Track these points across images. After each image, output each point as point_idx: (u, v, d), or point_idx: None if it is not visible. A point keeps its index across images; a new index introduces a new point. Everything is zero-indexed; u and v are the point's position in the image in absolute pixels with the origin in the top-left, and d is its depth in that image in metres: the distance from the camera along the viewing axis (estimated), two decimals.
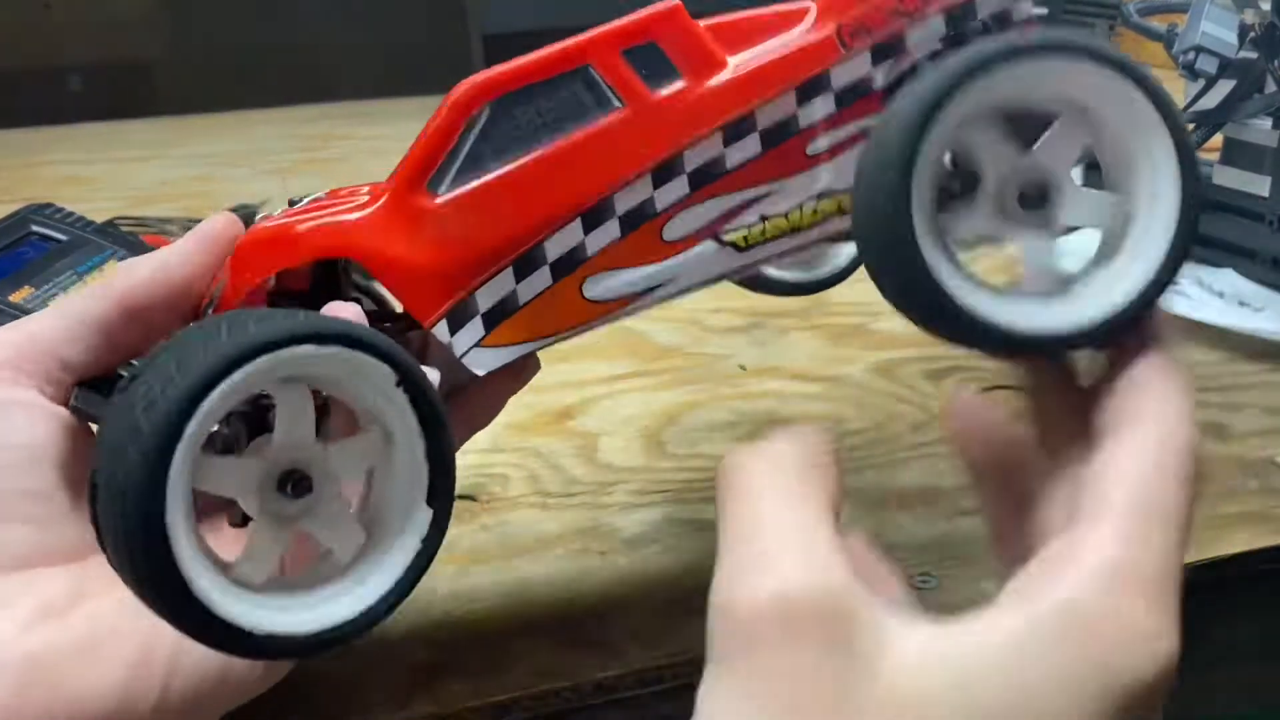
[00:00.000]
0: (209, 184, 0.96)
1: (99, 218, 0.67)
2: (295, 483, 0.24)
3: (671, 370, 0.54)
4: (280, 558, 0.25)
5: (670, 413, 0.50)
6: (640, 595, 0.37)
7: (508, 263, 0.28)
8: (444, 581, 0.39)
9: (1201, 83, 0.60)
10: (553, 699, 0.34)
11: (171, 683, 0.26)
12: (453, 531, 0.42)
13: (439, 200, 0.28)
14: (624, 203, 0.29)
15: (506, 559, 0.40)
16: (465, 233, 0.28)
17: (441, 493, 0.25)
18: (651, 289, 0.30)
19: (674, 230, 0.29)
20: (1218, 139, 0.61)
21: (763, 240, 0.30)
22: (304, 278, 0.30)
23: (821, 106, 0.29)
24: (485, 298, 0.28)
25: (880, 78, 0.30)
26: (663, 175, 0.29)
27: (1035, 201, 0.26)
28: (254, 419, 0.25)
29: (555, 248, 0.29)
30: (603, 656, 0.35)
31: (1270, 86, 0.58)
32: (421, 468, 0.25)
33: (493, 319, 0.29)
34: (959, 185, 0.27)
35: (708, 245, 0.30)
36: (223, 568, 0.24)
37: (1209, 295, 0.59)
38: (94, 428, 0.30)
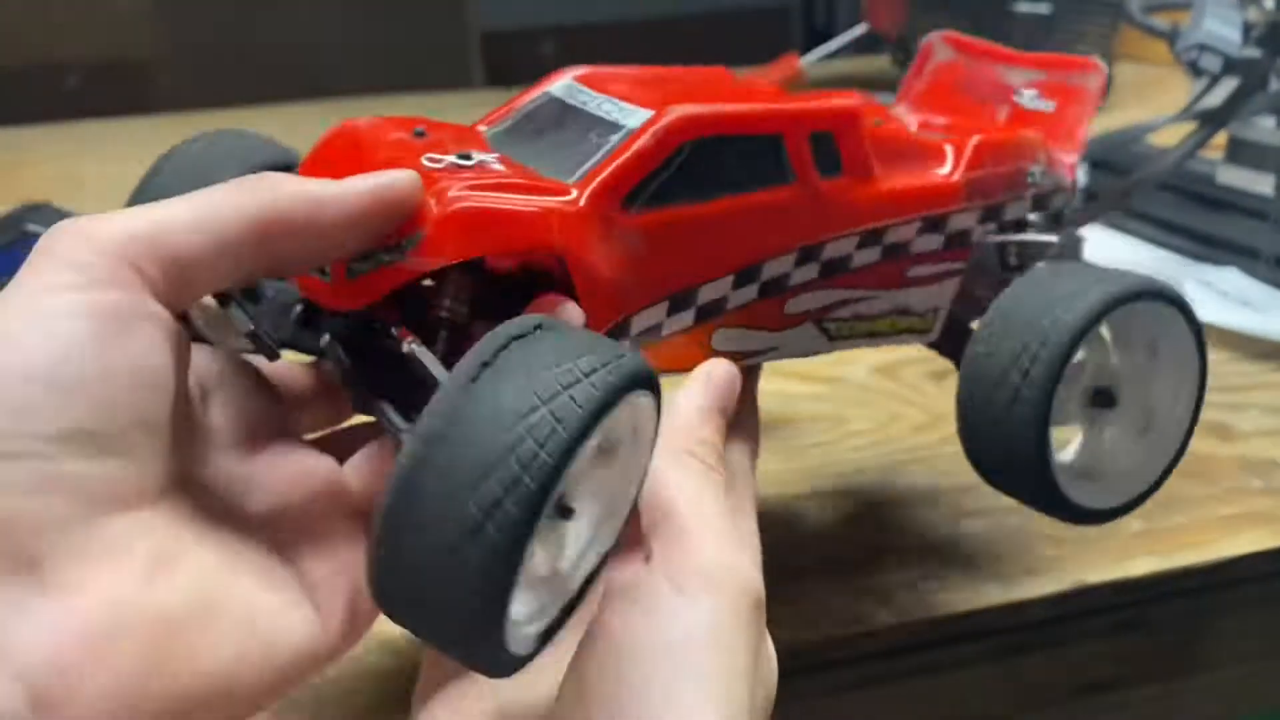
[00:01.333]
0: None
1: None
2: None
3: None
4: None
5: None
6: None
7: (665, 296, 0.29)
8: None
9: (1205, 80, 0.60)
10: None
11: (270, 654, 0.24)
12: None
13: (631, 217, 0.28)
14: (769, 271, 0.31)
15: None
16: (644, 256, 0.28)
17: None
18: (760, 352, 0.32)
19: (793, 306, 0.32)
20: (1222, 137, 0.61)
21: (849, 335, 0.33)
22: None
23: (933, 241, 0.33)
24: (638, 323, 0.29)
25: (977, 233, 0.34)
26: (805, 256, 0.31)
27: (1107, 401, 0.33)
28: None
29: (706, 294, 0.30)
30: None
31: (1274, 84, 0.58)
32: (630, 497, 0.25)
33: (635, 345, 0.29)
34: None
35: (809, 327, 0.32)
36: None
37: (1213, 295, 0.59)
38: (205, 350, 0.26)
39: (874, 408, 0.50)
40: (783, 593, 0.37)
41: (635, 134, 0.28)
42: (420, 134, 0.28)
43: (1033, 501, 0.31)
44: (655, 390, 0.23)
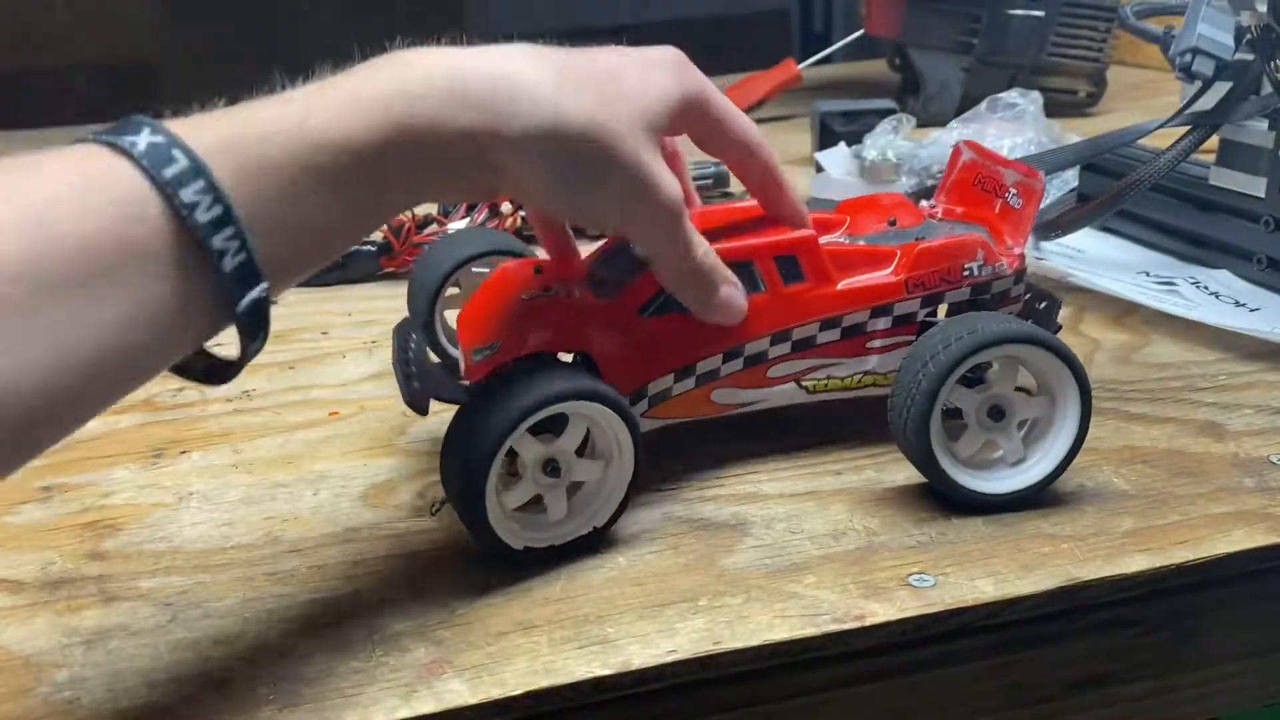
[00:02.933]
0: None
1: None
2: (551, 468, 0.39)
3: None
4: (563, 501, 0.40)
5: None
6: (640, 595, 0.38)
7: (670, 370, 0.43)
8: (444, 581, 0.39)
9: (1198, 85, 0.60)
10: (552, 698, 0.34)
11: None
12: (454, 530, 0.42)
13: (643, 321, 0.43)
14: (751, 349, 0.44)
15: (507, 557, 0.40)
16: (652, 346, 0.43)
17: (613, 518, 0.41)
18: (751, 403, 0.45)
19: (775, 371, 0.45)
20: (1214, 141, 0.61)
21: (825, 390, 0.46)
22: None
23: (883, 322, 0.46)
24: (652, 389, 0.43)
25: (921, 314, 0.46)
26: (778, 338, 0.44)
27: (997, 414, 0.42)
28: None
29: (703, 367, 0.44)
30: (603, 656, 0.35)
31: (1266, 88, 0.59)
32: (614, 496, 0.41)
33: (653, 402, 0.44)
34: (954, 411, 0.42)
35: (790, 385, 0.46)
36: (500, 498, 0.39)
37: (1205, 296, 0.59)
38: None
39: (870, 406, 0.50)
40: (780, 590, 0.38)
41: (644, 270, 0.42)
42: (538, 271, 0.43)
43: (935, 483, 0.42)
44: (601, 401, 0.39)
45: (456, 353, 0.51)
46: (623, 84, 0.38)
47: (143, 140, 0.30)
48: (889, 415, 0.42)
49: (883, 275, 0.45)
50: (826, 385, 0.46)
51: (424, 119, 0.34)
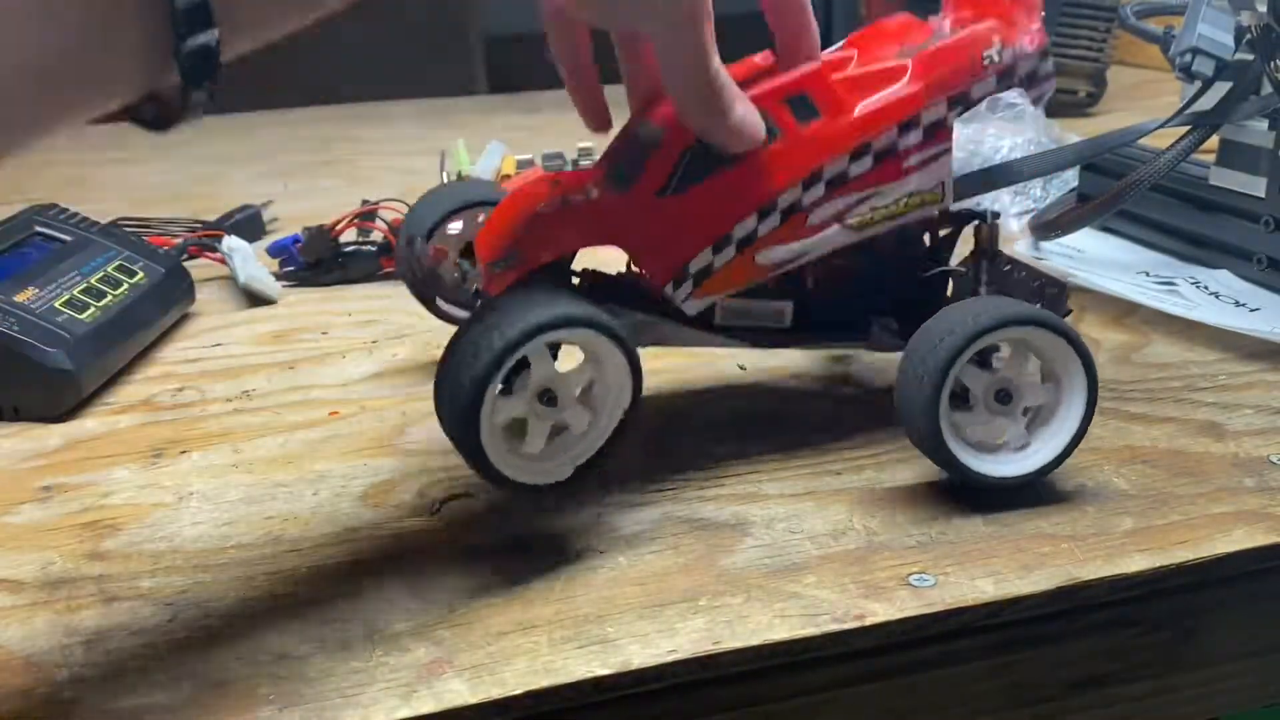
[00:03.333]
0: (212, 185, 0.97)
1: (102, 219, 0.67)
2: (549, 398, 0.39)
3: (672, 370, 0.54)
4: (543, 437, 0.39)
5: (671, 412, 0.51)
6: (640, 595, 0.38)
7: (706, 244, 0.42)
8: (444, 581, 0.39)
9: (1198, 85, 0.60)
10: (552, 698, 0.34)
11: None
12: (454, 530, 0.42)
13: (663, 202, 0.41)
14: (784, 201, 0.42)
15: (507, 557, 0.40)
16: (679, 224, 0.42)
17: (635, 396, 0.40)
18: (800, 256, 0.43)
19: (815, 217, 0.43)
20: (1214, 141, 0.61)
21: (872, 224, 0.44)
22: None
23: (914, 137, 0.43)
24: (693, 266, 0.42)
25: (952, 117, 0.44)
26: (809, 182, 0.42)
27: (1005, 398, 0.42)
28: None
29: (739, 232, 0.42)
30: (603, 656, 0.35)
31: (1266, 88, 0.59)
32: (626, 379, 0.39)
33: (697, 281, 0.43)
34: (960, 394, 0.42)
35: (835, 228, 0.43)
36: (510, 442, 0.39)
37: (1205, 296, 0.59)
38: None
39: (870, 406, 0.50)
40: (780, 590, 0.38)
41: (658, 150, 0.41)
42: (555, 184, 0.42)
43: (939, 463, 0.42)
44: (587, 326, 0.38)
45: (449, 308, 0.52)
46: None
47: None
48: (895, 392, 0.42)
49: (899, 88, 0.43)
50: (872, 218, 0.44)
51: None
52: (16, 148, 0.30)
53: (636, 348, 0.39)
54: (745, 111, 0.40)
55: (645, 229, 0.41)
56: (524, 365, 0.38)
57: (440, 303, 0.51)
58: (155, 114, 0.32)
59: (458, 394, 0.37)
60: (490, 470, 0.38)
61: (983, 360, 0.42)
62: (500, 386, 0.37)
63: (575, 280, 0.44)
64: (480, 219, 0.50)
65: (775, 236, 0.43)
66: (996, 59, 0.44)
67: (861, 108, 0.43)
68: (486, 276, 0.41)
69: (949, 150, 0.44)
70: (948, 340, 0.40)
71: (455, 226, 0.51)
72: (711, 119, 0.39)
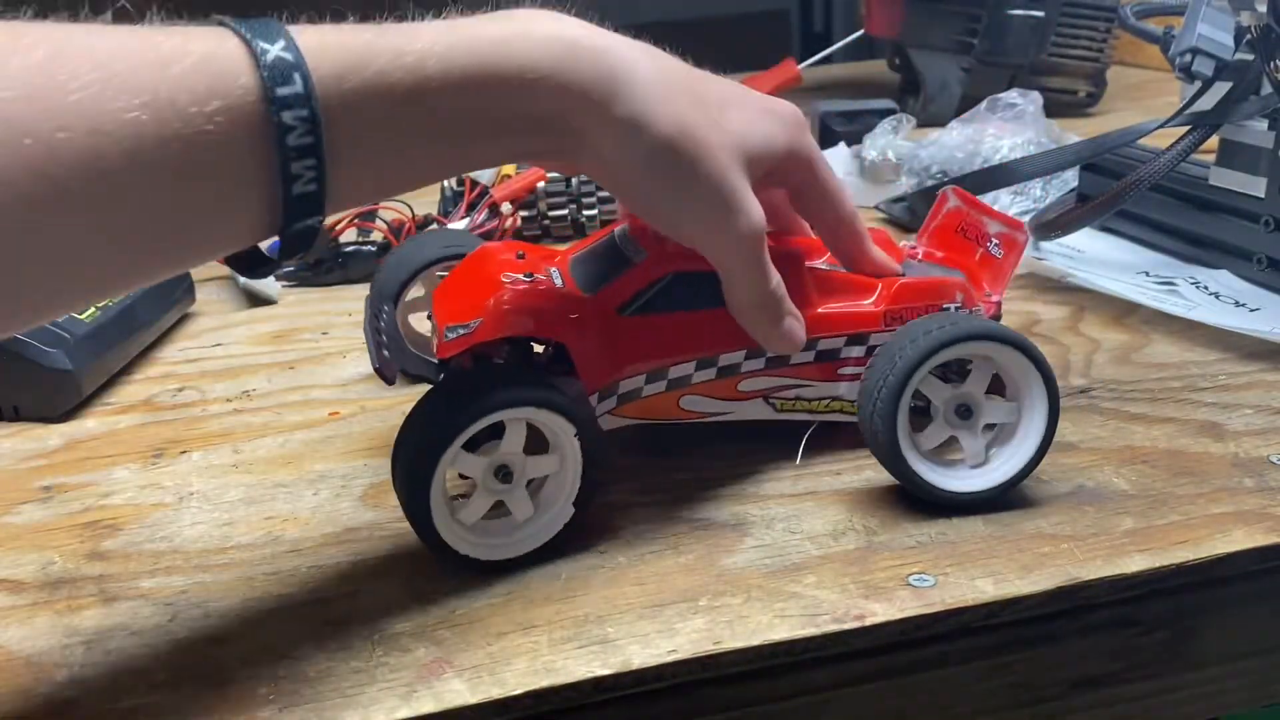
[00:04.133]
0: None
1: None
2: (504, 474, 0.39)
3: None
4: (483, 509, 0.40)
5: None
6: (640, 595, 0.38)
7: (643, 371, 0.43)
8: (444, 581, 0.39)
9: (1198, 85, 0.60)
10: (552, 698, 0.34)
11: None
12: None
13: (621, 319, 0.42)
14: (724, 360, 0.44)
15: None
16: (627, 344, 0.42)
17: (584, 501, 0.40)
18: (719, 414, 0.45)
19: (746, 386, 0.45)
20: (1214, 140, 0.61)
21: (792, 410, 0.46)
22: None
23: (857, 350, 0.45)
24: (623, 387, 0.43)
25: None
26: (752, 353, 0.44)
27: (965, 413, 0.43)
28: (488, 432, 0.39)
29: (675, 372, 0.44)
30: (603, 656, 0.35)
31: (1266, 88, 0.59)
32: (576, 483, 0.40)
33: (621, 400, 0.43)
34: (923, 409, 0.43)
35: (759, 401, 0.45)
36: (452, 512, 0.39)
37: (1205, 296, 0.59)
38: None
39: None
40: (780, 590, 0.38)
41: (633, 269, 0.42)
42: (521, 256, 0.43)
43: (897, 476, 0.42)
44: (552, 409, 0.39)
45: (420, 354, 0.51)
46: (728, 111, 0.40)
47: (274, 51, 0.31)
48: (858, 402, 0.42)
49: (863, 305, 0.45)
50: (794, 405, 0.46)
51: (540, 78, 0.35)
52: (130, 287, 0.34)
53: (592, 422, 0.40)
54: (790, 327, 0.42)
55: (595, 336, 0.42)
56: (499, 431, 0.39)
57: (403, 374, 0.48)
58: (248, 261, 0.35)
59: (417, 522, 0.38)
60: (434, 538, 0.38)
61: (944, 375, 0.43)
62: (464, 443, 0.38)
63: (539, 349, 0.44)
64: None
65: (706, 388, 0.44)
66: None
67: (825, 309, 0.45)
68: (440, 338, 0.41)
69: None
70: (907, 352, 0.41)
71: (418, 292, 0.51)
72: (762, 328, 0.42)
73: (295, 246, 0.33)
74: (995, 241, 0.49)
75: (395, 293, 0.49)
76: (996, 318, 0.48)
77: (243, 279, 0.68)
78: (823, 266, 0.47)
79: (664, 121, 0.36)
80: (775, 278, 0.41)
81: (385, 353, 0.44)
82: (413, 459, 0.37)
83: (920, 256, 0.50)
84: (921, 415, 0.43)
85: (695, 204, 0.38)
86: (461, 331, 0.40)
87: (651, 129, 0.36)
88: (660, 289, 0.42)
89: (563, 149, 0.37)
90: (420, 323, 0.52)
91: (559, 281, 0.43)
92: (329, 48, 0.32)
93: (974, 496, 0.42)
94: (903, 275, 0.46)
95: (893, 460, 0.41)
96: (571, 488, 0.40)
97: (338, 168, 0.32)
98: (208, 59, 0.30)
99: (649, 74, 0.36)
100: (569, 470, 0.40)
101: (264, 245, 0.34)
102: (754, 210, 0.39)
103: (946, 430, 0.43)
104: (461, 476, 0.40)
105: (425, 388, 0.41)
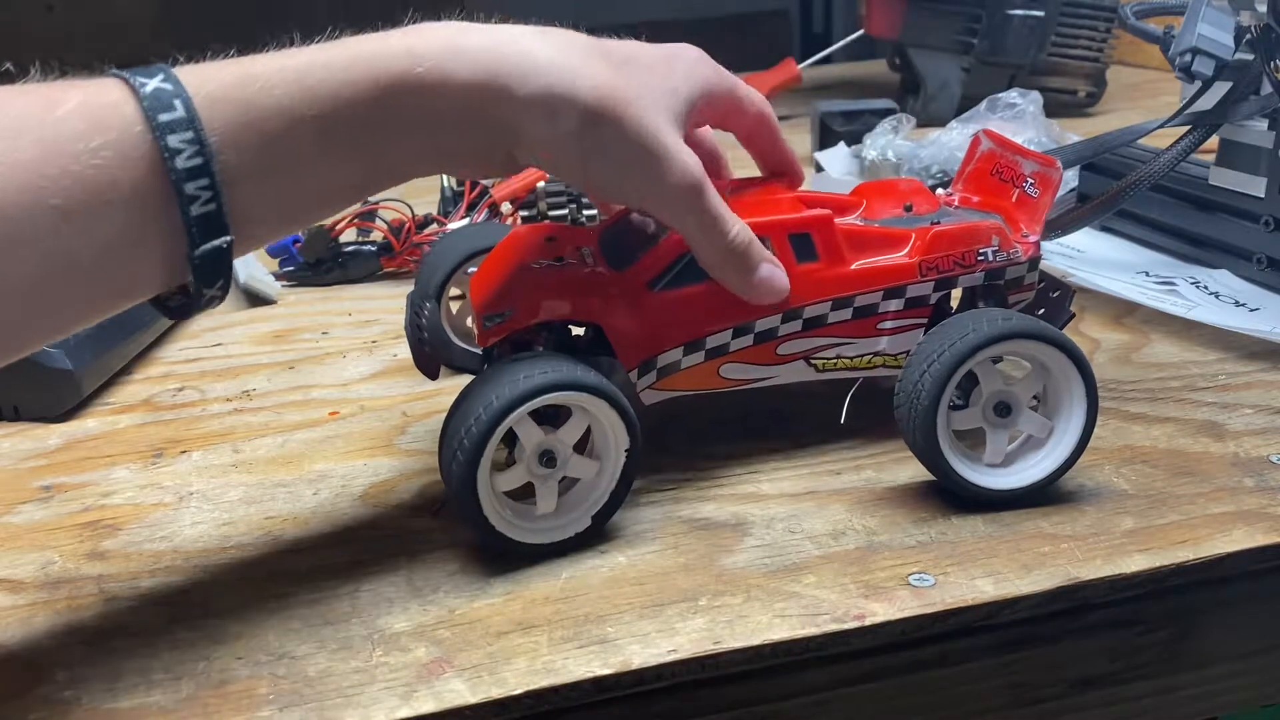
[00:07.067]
0: None
1: None
2: (548, 459, 0.40)
3: None
4: (554, 496, 0.40)
5: (670, 412, 0.51)
6: (640, 595, 0.38)
7: (680, 344, 0.43)
8: (444, 581, 0.39)
9: (1198, 85, 0.60)
10: (552, 698, 0.34)
11: None
12: (454, 530, 0.42)
13: (653, 294, 0.43)
14: (761, 326, 0.44)
15: (506, 558, 0.40)
16: (661, 319, 0.43)
17: (603, 517, 0.41)
18: (760, 379, 0.45)
19: (785, 349, 0.45)
20: (1214, 141, 0.61)
21: (834, 368, 0.46)
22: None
23: (895, 304, 0.45)
24: (660, 361, 0.43)
25: (934, 297, 0.46)
26: (788, 316, 0.44)
27: (1004, 412, 0.43)
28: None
29: (712, 341, 0.44)
30: (603, 656, 0.35)
31: (1266, 88, 0.59)
32: (603, 499, 0.41)
33: (661, 374, 0.44)
34: (964, 398, 0.43)
35: (799, 363, 0.45)
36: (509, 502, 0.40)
37: (1204, 295, 0.59)
38: None
39: (870, 407, 0.50)
40: (780, 589, 0.38)
41: (660, 244, 0.43)
42: (551, 239, 0.44)
43: (934, 472, 0.42)
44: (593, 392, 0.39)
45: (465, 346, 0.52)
46: (638, 63, 0.40)
47: (152, 84, 0.32)
48: (895, 402, 0.42)
49: (897, 257, 0.45)
50: (836, 364, 0.46)
51: (427, 72, 0.35)
52: (49, 339, 0.34)
53: (625, 397, 0.40)
54: (769, 273, 0.42)
55: (629, 314, 0.42)
56: (555, 420, 0.40)
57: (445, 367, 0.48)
58: (179, 304, 0.35)
59: (452, 483, 0.38)
60: (494, 535, 0.39)
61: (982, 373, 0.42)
62: (500, 454, 0.39)
63: (578, 331, 0.44)
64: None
65: (744, 355, 0.44)
66: (990, 258, 0.46)
67: (858, 264, 0.45)
68: (479, 328, 0.42)
69: (923, 326, 0.46)
70: (949, 351, 0.41)
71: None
72: (736, 280, 0.42)
73: (211, 273, 0.33)
74: (1031, 181, 0.48)
75: (435, 290, 0.50)
76: (1035, 258, 0.47)
77: (243, 278, 0.68)
78: (856, 222, 0.47)
79: (582, 90, 0.37)
80: (736, 226, 0.41)
81: (426, 349, 0.45)
82: (492, 401, 0.37)
83: (956, 203, 0.50)
84: (959, 409, 0.43)
85: (625, 164, 0.38)
86: (498, 320, 0.41)
87: (570, 100, 0.36)
88: (688, 261, 0.42)
89: (494, 145, 0.37)
90: (466, 314, 0.53)
91: (590, 262, 0.43)
92: (208, 76, 0.33)
93: (1017, 492, 0.42)
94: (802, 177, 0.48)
95: (936, 464, 0.42)
96: (597, 501, 0.40)
97: (234, 186, 0.33)
98: (89, 100, 0.32)
99: (549, 52, 0.37)
100: (603, 482, 0.40)
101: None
102: (686, 159, 0.39)
103: (979, 420, 0.43)
104: (508, 441, 0.40)
105: (433, 385, 0.42)
